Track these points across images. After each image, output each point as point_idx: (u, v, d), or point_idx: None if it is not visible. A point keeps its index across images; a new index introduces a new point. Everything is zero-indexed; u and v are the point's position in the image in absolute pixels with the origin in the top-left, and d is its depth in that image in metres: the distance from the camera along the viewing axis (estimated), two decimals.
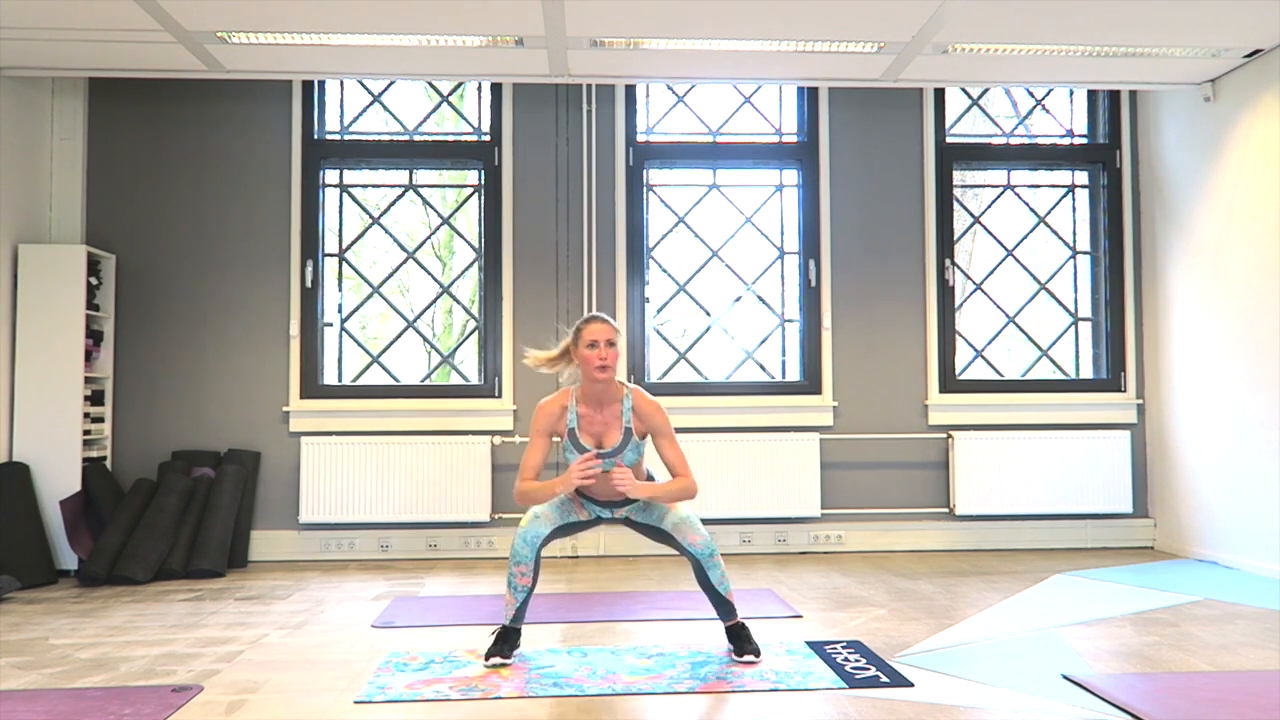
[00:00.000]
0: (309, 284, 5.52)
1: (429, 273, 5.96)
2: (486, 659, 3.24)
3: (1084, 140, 5.97)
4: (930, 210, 5.74)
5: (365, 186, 5.85)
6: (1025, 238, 6.15)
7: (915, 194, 5.75)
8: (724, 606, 3.32)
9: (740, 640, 3.31)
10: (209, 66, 4.92)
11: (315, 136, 5.61)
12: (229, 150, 5.53)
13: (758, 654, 3.27)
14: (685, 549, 3.27)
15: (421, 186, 5.95)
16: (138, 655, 3.41)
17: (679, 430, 5.44)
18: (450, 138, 6.08)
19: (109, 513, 5.02)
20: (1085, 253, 5.95)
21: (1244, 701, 2.80)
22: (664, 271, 5.82)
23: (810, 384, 5.66)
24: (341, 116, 5.71)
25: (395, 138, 5.75)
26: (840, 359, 5.66)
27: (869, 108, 5.74)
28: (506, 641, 3.28)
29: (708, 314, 5.81)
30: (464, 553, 5.44)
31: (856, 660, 3.25)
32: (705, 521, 5.41)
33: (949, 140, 5.85)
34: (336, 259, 5.67)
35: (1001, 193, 5.97)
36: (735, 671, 3.14)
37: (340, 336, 5.65)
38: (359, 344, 5.79)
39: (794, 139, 5.82)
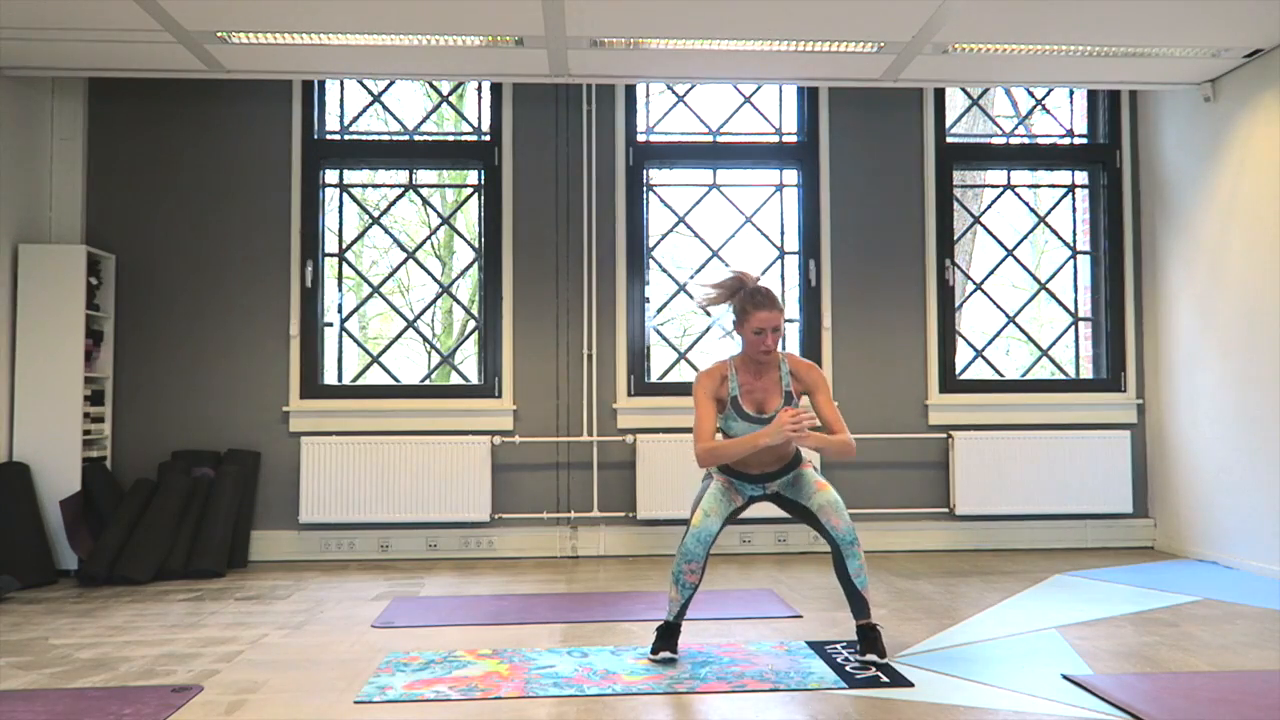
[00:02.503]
0: (309, 284, 5.52)
1: (429, 273, 5.97)
2: (654, 654, 3.25)
3: (1084, 140, 5.97)
4: (930, 210, 5.74)
5: (365, 186, 5.85)
6: (1025, 238, 6.15)
7: (915, 194, 5.75)
8: (857, 601, 3.25)
9: (868, 640, 3.23)
10: (209, 66, 4.92)
11: (315, 136, 5.61)
12: (229, 150, 5.53)
13: (882, 655, 3.19)
14: (827, 531, 3.24)
15: (421, 186, 5.96)
16: (138, 655, 3.41)
17: (679, 430, 5.48)
18: (450, 138, 6.09)
19: (109, 513, 5.02)
20: (1085, 253, 5.95)
21: (1244, 701, 2.80)
22: (664, 271, 5.82)
23: None
24: (341, 116, 5.71)
25: (395, 138, 5.75)
26: (840, 359, 5.66)
27: (869, 108, 5.74)
28: (671, 636, 3.29)
29: (707, 314, 5.80)
30: (464, 553, 5.44)
31: (856, 660, 3.25)
32: None
33: (949, 140, 5.85)
34: (336, 259, 5.67)
35: (1001, 193, 5.97)
36: (735, 671, 3.14)
37: (340, 336, 5.65)
38: (359, 344, 5.80)
39: (794, 139, 5.82)
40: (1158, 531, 5.67)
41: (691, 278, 5.82)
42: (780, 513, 5.43)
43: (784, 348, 3.46)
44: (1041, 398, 5.70)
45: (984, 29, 4.49)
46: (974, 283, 5.95)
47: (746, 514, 5.44)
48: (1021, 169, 5.97)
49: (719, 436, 3.39)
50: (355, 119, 5.73)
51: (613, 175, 5.65)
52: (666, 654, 3.25)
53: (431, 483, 5.36)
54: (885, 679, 3.04)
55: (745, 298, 3.30)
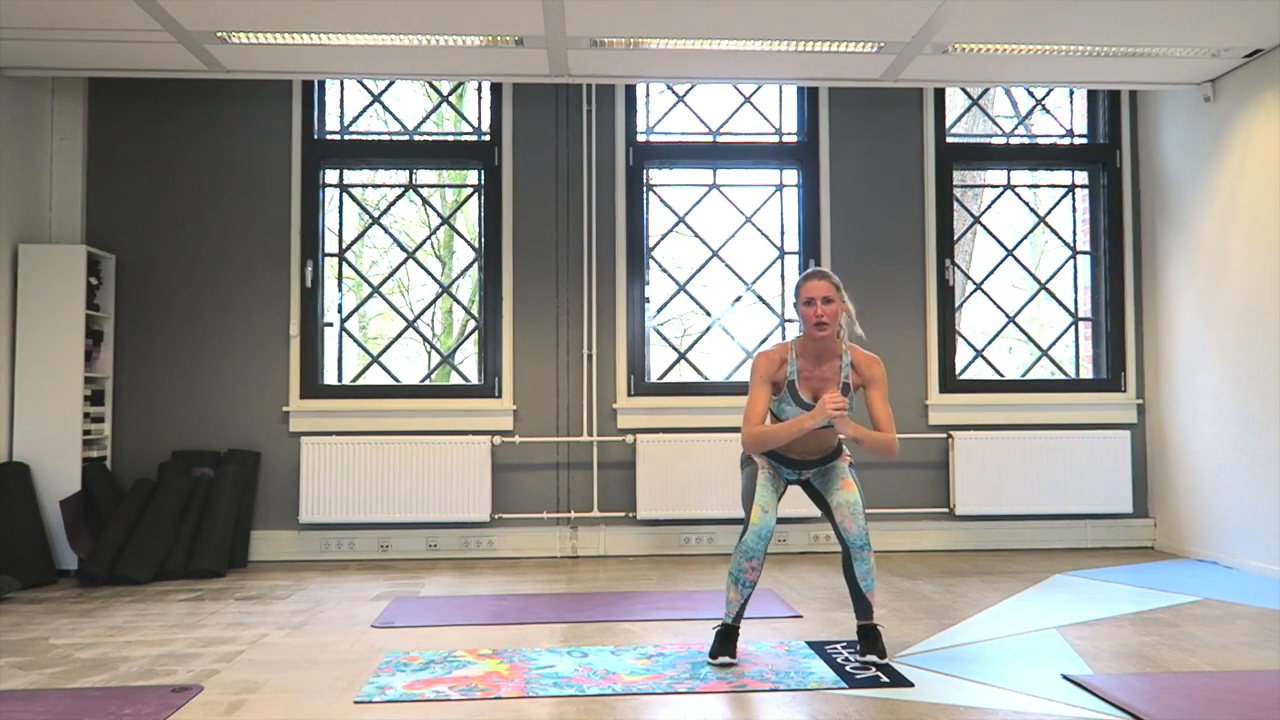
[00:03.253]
0: (309, 284, 5.52)
1: (429, 273, 5.97)
2: (713, 658, 3.22)
3: (1084, 140, 5.97)
4: (930, 210, 5.74)
5: (365, 186, 5.85)
6: (1025, 238, 6.15)
7: (915, 194, 5.75)
8: (861, 603, 3.26)
9: (868, 640, 3.24)
10: (209, 66, 4.92)
11: (315, 136, 5.61)
12: (229, 150, 5.53)
13: (882, 655, 3.20)
14: (839, 531, 3.24)
15: (421, 186, 5.96)
16: (138, 655, 3.41)
17: (679, 430, 5.48)
18: (450, 138, 6.09)
19: (109, 513, 5.02)
20: (1085, 253, 5.95)
21: (1244, 701, 2.80)
22: (664, 271, 5.82)
23: None
24: (341, 116, 5.71)
25: (395, 138, 5.75)
26: None
27: (869, 108, 5.74)
28: (731, 639, 3.26)
29: (708, 314, 5.81)
30: (464, 553, 5.44)
31: (856, 660, 3.25)
32: (706, 522, 5.45)
33: (949, 140, 5.85)
34: (336, 259, 5.67)
35: (1001, 193, 5.97)
36: (735, 671, 3.14)
37: (340, 336, 5.65)
38: (359, 344, 5.80)
39: (794, 139, 5.82)
40: (1158, 531, 5.67)
41: (691, 278, 5.81)
42: (780, 512, 5.44)
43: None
44: (1041, 398, 5.70)
45: (984, 29, 4.49)
46: (974, 283, 5.95)
47: None
48: (1021, 169, 5.97)
49: (767, 420, 3.37)
50: (355, 119, 5.73)
51: (613, 175, 5.65)
52: (726, 659, 3.21)
53: (431, 483, 5.36)
54: (885, 679, 3.04)
55: (801, 276, 3.31)
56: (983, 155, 5.95)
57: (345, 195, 5.74)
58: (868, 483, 5.61)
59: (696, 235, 5.79)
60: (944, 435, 5.64)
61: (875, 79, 5.15)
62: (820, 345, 3.28)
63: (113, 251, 5.38)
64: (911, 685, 2.98)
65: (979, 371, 5.84)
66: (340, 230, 5.69)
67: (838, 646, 3.43)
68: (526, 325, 5.56)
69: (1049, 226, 6.07)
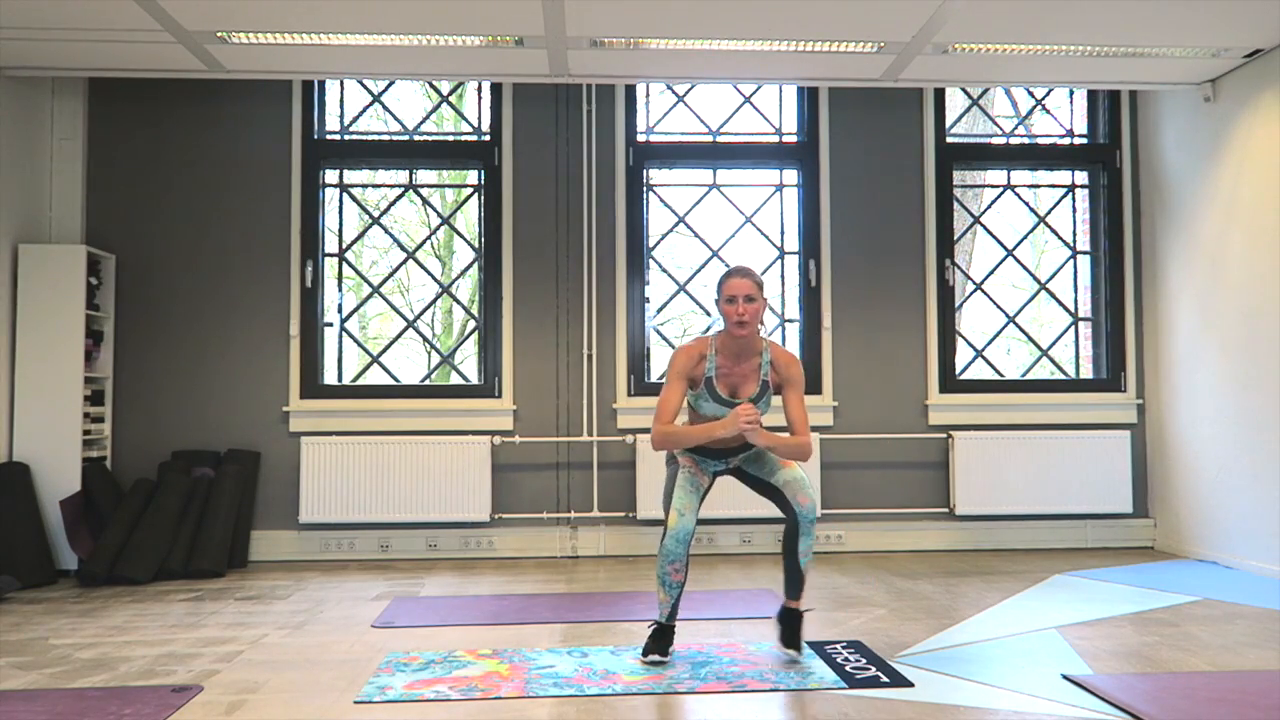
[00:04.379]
0: (309, 284, 5.52)
1: (429, 273, 5.97)
2: (644, 656, 3.23)
3: (1084, 140, 5.97)
4: (930, 210, 5.74)
5: (365, 186, 5.85)
6: (1025, 238, 6.15)
7: (915, 194, 5.75)
8: (795, 581, 3.26)
9: (791, 628, 3.26)
10: (209, 66, 4.92)
11: (315, 136, 5.61)
12: (229, 150, 5.53)
13: (800, 650, 3.23)
14: (793, 507, 3.23)
15: (421, 186, 5.96)
16: (138, 655, 3.41)
17: None
18: (450, 138, 6.09)
19: (109, 513, 5.02)
20: (1085, 253, 5.95)
21: (1244, 701, 2.80)
22: (664, 271, 5.82)
23: (810, 384, 5.66)
24: (341, 116, 5.71)
25: (395, 138, 5.75)
26: (840, 359, 5.65)
27: (869, 108, 5.74)
28: (664, 639, 3.27)
29: (707, 314, 5.81)
30: (464, 553, 5.44)
31: (856, 660, 3.25)
32: (706, 522, 5.45)
33: (949, 140, 5.85)
34: (336, 259, 5.67)
35: (1001, 193, 5.97)
36: (735, 671, 3.14)
37: (340, 336, 5.65)
38: (359, 344, 5.80)
39: (794, 139, 5.82)
40: (1158, 531, 5.67)
41: (691, 278, 5.81)
42: (779, 512, 5.45)
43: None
44: (1041, 398, 5.70)
45: (984, 29, 4.49)
46: (974, 283, 5.95)
47: (747, 514, 5.47)
48: (1021, 169, 5.97)
49: (682, 418, 3.36)
50: (355, 119, 5.73)
51: (613, 175, 5.65)
52: (656, 657, 3.23)
53: (431, 483, 5.35)
54: (885, 679, 3.04)
55: (723, 273, 3.32)
56: (983, 155, 5.96)
57: (345, 195, 5.74)
58: (866, 483, 5.62)
59: (696, 235, 5.79)
60: (944, 435, 5.64)
61: (875, 79, 5.15)
62: (740, 343, 3.28)
63: (113, 251, 5.38)
64: (911, 685, 2.98)
65: (979, 371, 5.84)
66: (340, 230, 5.69)
67: (838, 646, 3.43)
68: (526, 325, 5.56)
69: (1049, 226, 6.07)
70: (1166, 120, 5.60)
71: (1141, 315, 5.79)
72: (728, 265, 5.71)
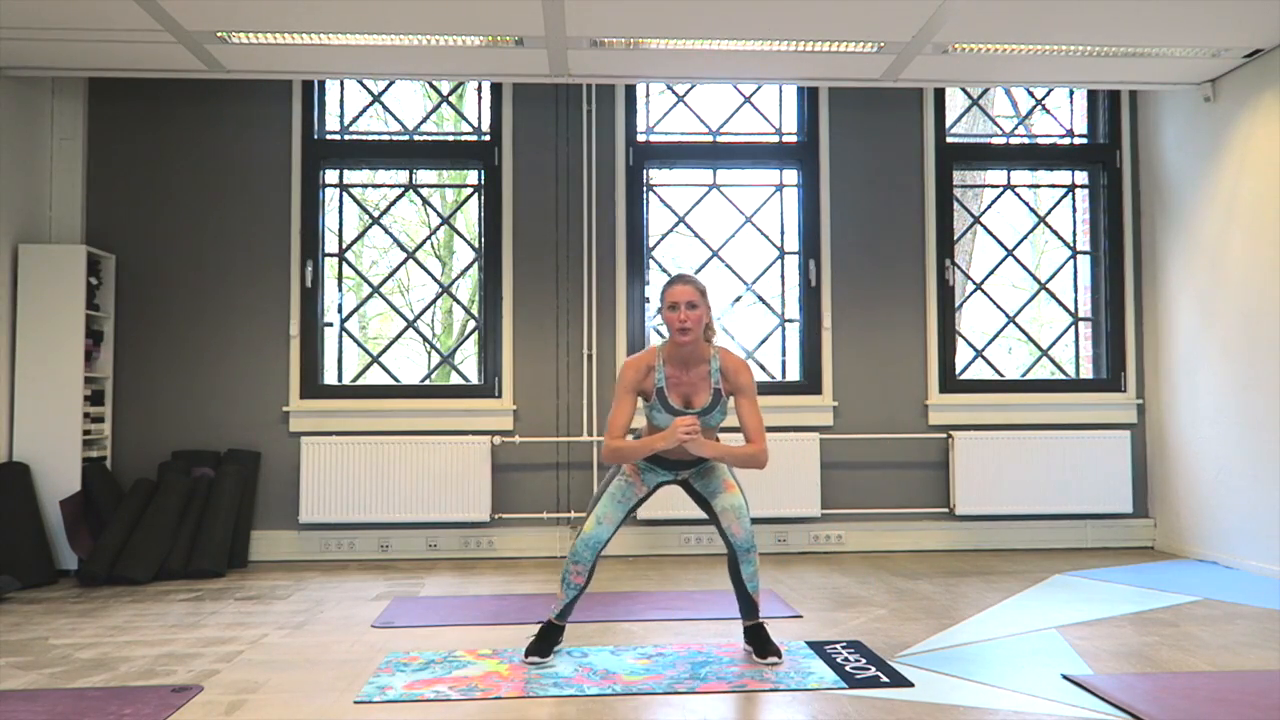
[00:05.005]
0: (309, 284, 5.52)
1: (429, 273, 5.97)
2: (526, 656, 3.23)
3: (1084, 140, 5.97)
4: (930, 210, 5.74)
5: (365, 186, 5.85)
6: (1025, 238, 6.15)
7: (915, 194, 5.75)
8: (748, 604, 3.28)
9: (760, 641, 3.27)
10: (209, 66, 4.92)
11: (315, 136, 5.61)
12: (229, 150, 5.53)
13: (779, 655, 3.23)
14: (725, 536, 3.24)
15: (421, 186, 5.96)
16: (138, 655, 3.41)
17: None
18: (450, 138, 6.09)
19: (109, 513, 5.02)
20: (1085, 253, 5.95)
21: (1244, 701, 2.80)
22: (664, 271, 5.81)
23: (810, 384, 5.66)
24: (341, 116, 5.71)
25: (395, 138, 5.75)
26: (840, 359, 5.65)
27: (869, 108, 5.73)
28: (548, 639, 3.27)
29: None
30: (464, 553, 5.44)
31: (856, 660, 3.25)
32: (705, 522, 5.40)
33: (949, 140, 5.85)
34: (336, 259, 5.67)
35: (1001, 193, 5.97)
36: (735, 671, 3.14)
37: (340, 336, 5.65)
38: (359, 344, 5.80)
39: (794, 139, 5.82)
40: (1158, 531, 5.67)
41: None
42: (779, 512, 5.47)
43: (715, 345, 3.36)
44: (1041, 398, 5.70)
45: (984, 29, 4.49)
46: (974, 283, 5.95)
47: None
48: (1021, 169, 5.97)
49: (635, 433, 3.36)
50: (355, 119, 5.73)
51: (613, 175, 5.65)
52: (536, 658, 3.22)
53: (431, 483, 5.35)
54: (885, 679, 3.04)
55: (666, 281, 3.30)
56: (983, 155, 5.96)
57: (345, 195, 5.74)
58: (866, 483, 5.62)
59: (696, 235, 5.79)
60: (944, 435, 5.64)
61: (875, 79, 5.15)
62: (685, 351, 3.25)
63: (113, 251, 5.38)
64: (911, 685, 2.98)
65: (979, 371, 5.84)
66: (340, 230, 5.69)
67: (837, 646, 3.43)
68: (526, 325, 5.56)
69: (1049, 226, 6.07)
70: (1166, 120, 5.60)
71: (1141, 315, 5.79)
72: (726, 263, 5.74)
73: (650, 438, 3.20)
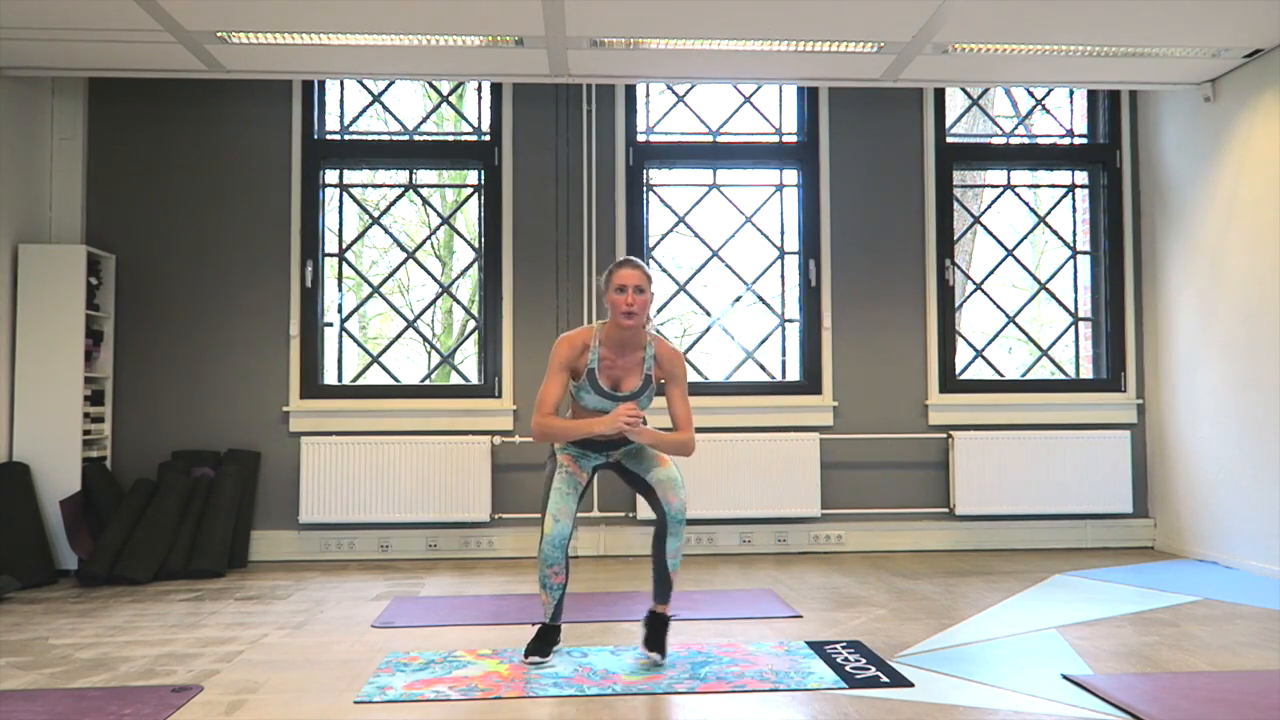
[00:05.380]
0: (309, 284, 5.52)
1: (429, 273, 5.97)
2: (526, 656, 3.23)
3: (1084, 140, 5.97)
4: (930, 210, 5.74)
5: (365, 186, 5.85)
6: (1025, 238, 6.15)
7: (915, 194, 5.75)
8: (663, 584, 3.28)
9: (656, 631, 3.26)
10: (209, 66, 4.92)
11: (315, 136, 5.61)
12: (229, 150, 5.53)
13: (663, 655, 3.23)
14: (662, 506, 3.23)
15: (421, 186, 5.96)
16: (138, 655, 3.41)
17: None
18: (450, 138, 6.09)
19: (109, 513, 5.02)
20: (1085, 253, 5.95)
21: (1244, 701, 2.80)
22: (664, 271, 5.81)
23: (810, 384, 5.66)
24: (341, 116, 5.71)
25: (395, 138, 5.75)
26: (840, 359, 5.65)
27: (869, 108, 5.73)
28: (546, 640, 3.28)
29: (708, 314, 5.81)
30: (464, 553, 5.44)
31: (856, 660, 3.25)
32: (705, 521, 5.45)
33: (949, 140, 5.85)
34: (336, 259, 5.67)
35: (1001, 193, 5.97)
36: (735, 671, 3.14)
37: (340, 336, 5.65)
38: (359, 344, 5.80)
39: (794, 139, 5.82)
40: (1158, 531, 5.67)
41: (691, 278, 5.81)
42: (780, 512, 5.47)
43: (651, 333, 3.36)
44: (1041, 398, 5.70)
45: (984, 29, 4.49)
46: (974, 283, 5.95)
47: (747, 514, 5.47)
48: (1021, 169, 5.97)
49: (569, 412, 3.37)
50: (355, 119, 5.73)
51: (613, 175, 5.65)
52: (536, 658, 3.22)
53: (431, 483, 5.35)
54: (885, 679, 3.04)
55: (612, 264, 3.31)
56: (983, 155, 5.96)
57: (345, 195, 5.74)
58: (866, 483, 5.62)
59: (696, 235, 5.79)
60: (944, 435, 5.64)
61: (875, 79, 5.15)
62: (625, 335, 3.26)
63: (113, 251, 5.38)
64: (911, 685, 2.98)
65: (979, 371, 5.84)
66: (340, 230, 5.69)
67: (837, 646, 3.43)
68: (526, 325, 5.56)
69: (1049, 226, 6.07)
70: (1166, 120, 5.60)
71: (1141, 315, 5.79)
72: (726, 263, 5.75)
73: (590, 420, 3.20)
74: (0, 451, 4.91)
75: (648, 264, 5.67)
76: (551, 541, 3.21)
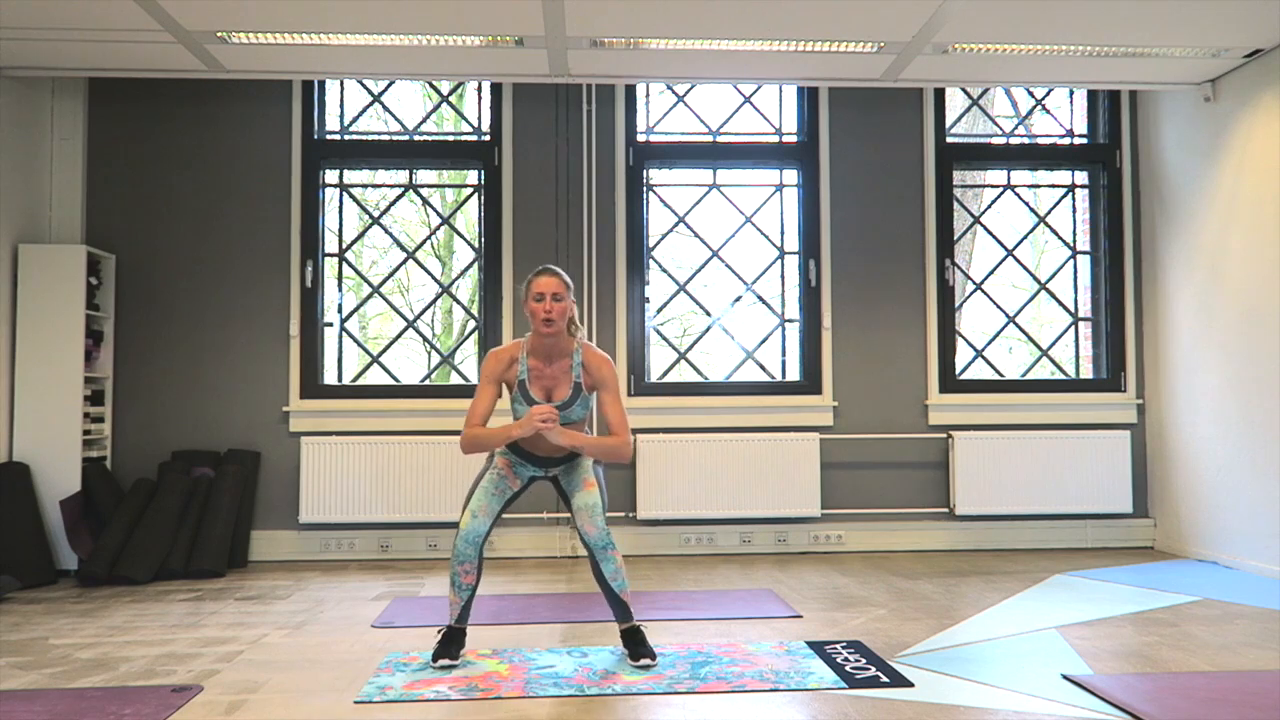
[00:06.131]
0: (309, 284, 5.52)
1: (429, 273, 5.97)
2: (434, 661, 3.21)
3: (1084, 140, 5.96)
4: (930, 210, 5.74)
5: (365, 186, 5.85)
6: (1025, 238, 6.15)
7: (915, 194, 5.75)
8: (618, 606, 3.27)
9: (634, 644, 3.25)
10: (209, 66, 4.92)
11: (315, 136, 5.61)
12: (229, 150, 5.53)
13: (653, 657, 3.22)
14: (580, 534, 3.24)
15: (421, 186, 5.96)
16: (138, 655, 3.41)
17: (679, 430, 5.48)
18: (450, 138, 6.09)
19: (109, 513, 5.02)
20: (1085, 253, 5.95)
21: (1244, 701, 2.80)
22: (664, 271, 5.82)
23: (810, 384, 5.66)
24: (341, 116, 5.71)
25: (395, 138, 5.75)
26: (840, 359, 5.65)
27: (869, 108, 5.73)
28: (453, 643, 3.25)
29: (708, 314, 5.81)
30: None
31: (856, 660, 3.25)
32: (705, 521, 5.46)
33: (949, 140, 5.85)
34: (336, 259, 5.67)
35: (1001, 193, 5.97)
36: (735, 671, 3.14)
37: (340, 336, 5.65)
38: (359, 344, 5.80)
39: (794, 139, 5.82)
40: (1158, 531, 5.67)
41: (691, 278, 5.81)
42: (780, 512, 5.47)
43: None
44: (1041, 398, 5.70)
45: (984, 29, 4.49)
46: (974, 283, 5.94)
47: (747, 514, 5.47)
48: (1021, 169, 5.97)
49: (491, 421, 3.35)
50: (355, 119, 5.73)
51: (613, 175, 5.65)
52: (445, 661, 3.20)
53: (431, 483, 5.35)
54: (885, 679, 3.04)
55: (531, 273, 3.31)
56: (983, 155, 5.95)
57: (345, 195, 5.74)
58: (866, 483, 5.61)
59: (696, 235, 5.79)
60: (944, 435, 5.64)
61: (875, 79, 5.15)
62: (550, 343, 3.27)
63: (113, 251, 5.38)
64: (911, 685, 2.98)
65: (979, 371, 5.84)
66: (340, 230, 5.69)
67: (837, 646, 3.43)
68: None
69: (1049, 226, 6.07)
70: (1166, 120, 5.60)
71: (1141, 315, 5.79)
72: (726, 263, 5.75)
73: (507, 425, 3.21)
74: (0, 451, 4.91)
75: (647, 265, 5.70)
76: (466, 537, 3.20)
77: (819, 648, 3.42)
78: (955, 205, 5.83)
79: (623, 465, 3.73)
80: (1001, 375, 5.82)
